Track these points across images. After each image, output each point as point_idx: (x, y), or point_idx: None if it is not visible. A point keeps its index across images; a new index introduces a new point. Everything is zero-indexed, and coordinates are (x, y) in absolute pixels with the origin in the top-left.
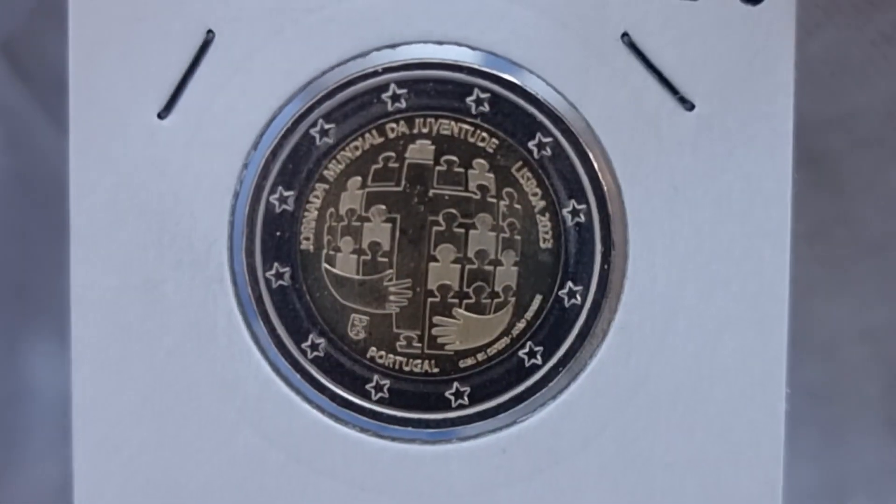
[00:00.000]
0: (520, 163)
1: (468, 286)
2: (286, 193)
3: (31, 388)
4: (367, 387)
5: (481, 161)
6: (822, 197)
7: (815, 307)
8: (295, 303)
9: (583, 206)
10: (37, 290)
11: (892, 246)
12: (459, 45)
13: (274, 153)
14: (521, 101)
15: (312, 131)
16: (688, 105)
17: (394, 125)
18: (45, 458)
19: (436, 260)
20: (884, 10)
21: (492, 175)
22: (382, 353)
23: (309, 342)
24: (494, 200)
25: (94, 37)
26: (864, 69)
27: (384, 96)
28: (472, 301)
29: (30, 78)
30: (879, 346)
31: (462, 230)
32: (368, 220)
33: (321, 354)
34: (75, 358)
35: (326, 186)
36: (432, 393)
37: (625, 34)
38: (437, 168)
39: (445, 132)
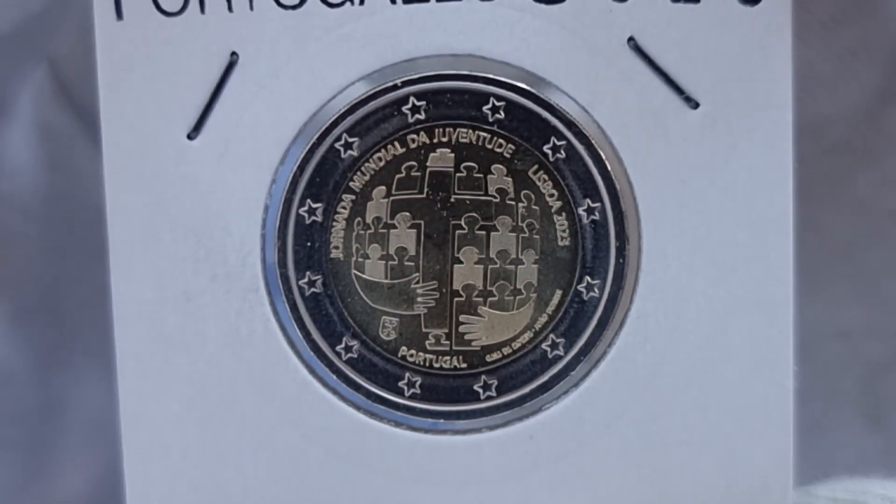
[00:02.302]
0: (536, 166)
1: (491, 285)
2: (314, 205)
3: (66, 401)
4: (400, 384)
5: (499, 166)
6: (793, 203)
7: None
8: (328, 308)
9: (597, 205)
10: (74, 307)
11: (860, 249)
12: (473, 56)
13: (301, 167)
14: (535, 107)
15: (337, 145)
16: (692, 103)
17: (414, 136)
18: (76, 467)
19: (460, 261)
20: (848, 26)
21: (510, 179)
22: (413, 351)
23: (343, 344)
24: (513, 203)
25: (122, 63)
26: (832, 81)
27: (404, 109)
28: (496, 299)
29: (75, 98)
30: (853, 345)
31: (484, 232)
32: (394, 226)
33: (355, 356)
34: (120, 369)
35: (353, 197)
36: (461, 387)
37: (630, 38)
38: (458, 174)
39: (464, 140)
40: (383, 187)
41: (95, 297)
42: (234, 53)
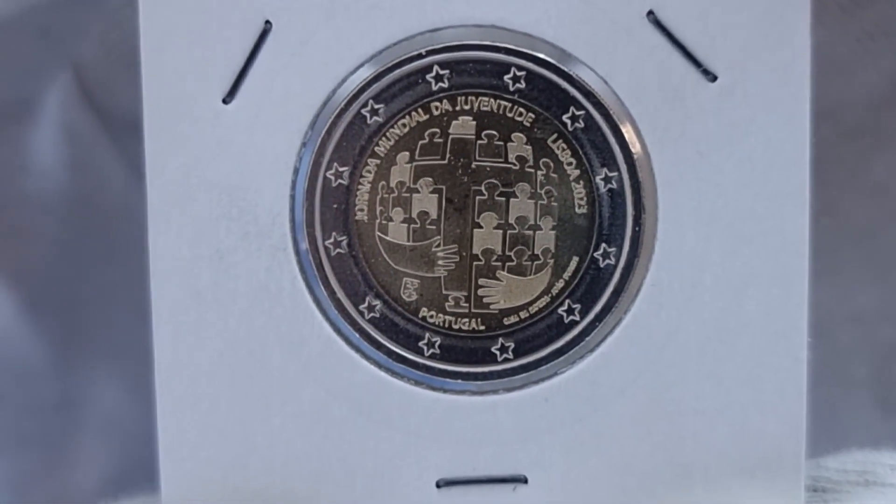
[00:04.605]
0: (555, 135)
1: (510, 250)
2: (341, 169)
3: (82, 396)
4: (420, 344)
5: (519, 134)
6: (810, 186)
7: None
8: (352, 268)
9: (615, 174)
10: (92, 304)
11: (876, 233)
12: (496, 27)
13: (329, 132)
14: (555, 78)
15: (364, 111)
16: (710, 76)
17: (438, 103)
18: (92, 461)
19: (479, 226)
20: (868, 9)
21: (529, 147)
22: (433, 312)
23: (366, 304)
24: (532, 170)
25: (163, 30)
26: (850, 65)
27: (428, 77)
28: (514, 263)
29: (98, 101)
30: (867, 329)
31: (503, 198)
32: (417, 191)
33: (377, 315)
34: (156, 323)
35: (378, 161)
36: (479, 348)
37: (650, 12)
38: (479, 142)
39: (485, 108)
40: (407, 153)
41: (113, 295)
42: (267, 22)
